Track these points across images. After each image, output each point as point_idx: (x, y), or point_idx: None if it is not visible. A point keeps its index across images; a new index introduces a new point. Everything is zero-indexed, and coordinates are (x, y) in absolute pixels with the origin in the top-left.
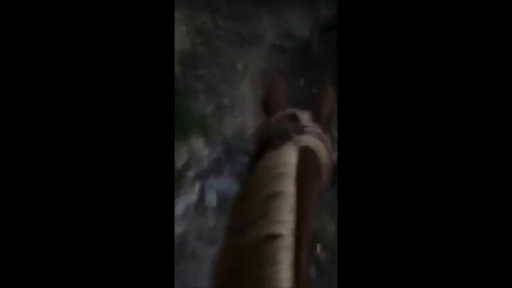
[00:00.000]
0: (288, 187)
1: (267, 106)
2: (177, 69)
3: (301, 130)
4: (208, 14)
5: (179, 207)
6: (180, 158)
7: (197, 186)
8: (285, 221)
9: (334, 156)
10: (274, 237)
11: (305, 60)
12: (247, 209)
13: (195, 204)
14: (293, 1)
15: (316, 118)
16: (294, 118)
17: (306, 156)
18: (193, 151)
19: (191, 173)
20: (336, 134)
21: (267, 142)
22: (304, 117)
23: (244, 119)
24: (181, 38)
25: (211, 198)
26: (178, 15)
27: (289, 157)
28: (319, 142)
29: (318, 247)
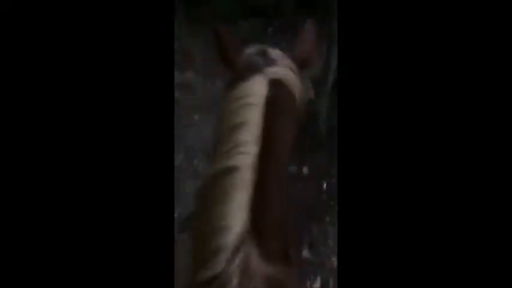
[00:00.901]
0: (253, 117)
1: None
2: None
3: (271, 63)
4: None
5: None
6: None
7: None
8: (245, 152)
9: (311, 93)
10: (230, 170)
11: None
12: (218, 139)
13: None
14: None
15: (292, 56)
16: (262, 52)
17: (277, 88)
18: None
19: None
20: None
21: (238, 75)
22: (275, 52)
23: None
24: None
25: None
26: None
27: (257, 88)
28: (292, 75)
29: None
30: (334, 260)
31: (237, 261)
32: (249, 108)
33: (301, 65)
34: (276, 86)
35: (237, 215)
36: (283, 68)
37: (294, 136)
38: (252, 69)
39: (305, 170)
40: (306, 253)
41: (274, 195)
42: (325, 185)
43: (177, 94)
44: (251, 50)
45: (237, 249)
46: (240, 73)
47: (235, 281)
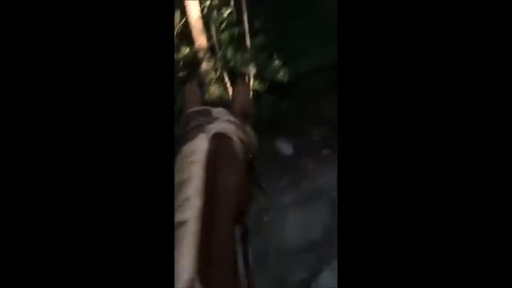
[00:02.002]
0: (195, 172)
1: (184, 106)
2: None
3: (213, 120)
4: None
5: None
6: None
7: None
8: (191, 206)
9: (255, 140)
10: (180, 224)
11: None
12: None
13: None
14: None
15: (232, 112)
16: (207, 112)
17: (219, 142)
18: None
19: None
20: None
21: (187, 135)
22: (217, 110)
23: None
24: None
25: None
26: None
27: (199, 145)
28: (234, 128)
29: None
30: None
31: None
32: (192, 165)
33: (242, 117)
34: (218, 139)
35: (184, 264)
36: (224, 123)
37: (239, 182)
38: (197, 129)
39: None
40: None
41: (222, 244)
42: None
43: None
44: (193, 110)
45: None
46: (188, 134)
47: None
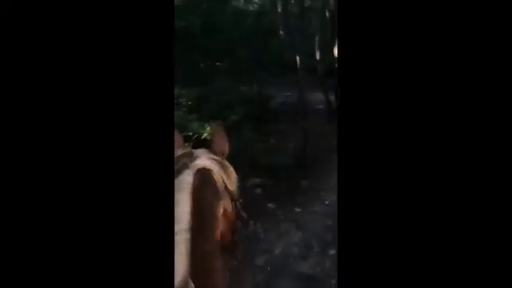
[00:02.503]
0: (184, 196)
1: None
2: None
3: (196, 159)
4: None
5: None
6: None
7: None
8: (181, 221)
9: (233, 172)
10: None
11: None
12: None
13: None
14: None
15: (211, 151)
16: (190, 153)
17: (202, 175)
18: None
19: None
20: None
21: (176, 172)
22: (198, 151)
23: None
24: None
25: None
26: None
27: (186, 178)
28: (214, 164)
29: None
30: None
31: None
32: (181, 192)
33: (220, 154)
34: (200, 173)
35: (177, 269)
36: (205, 159)
37: (220, 205)
38: (183, 167)
39: None
40: None
41: (209, 252)
42: None
43: None
44: (179, 153)
45: None
46: (177, 171)
47: None
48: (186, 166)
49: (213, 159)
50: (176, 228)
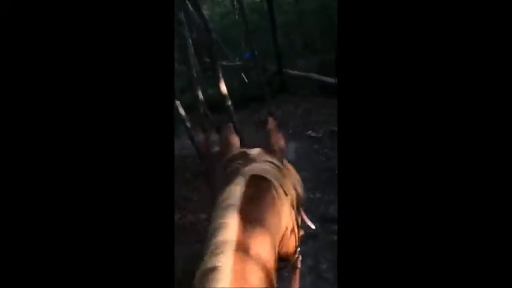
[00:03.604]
0: (229, 218)
1: (223, 151)
2: None
3: (250, 162)
4: None
5: None
6: None
7: None
8: (223, 253)
9: (297, 178)
10: (211, 270)
11: None
12: (205, 240)
13: None
14: None
15: (269, 151)
16: (244, 155)
17: (256, 183)
18: None
19: None
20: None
21: (225, 181)
22: (254, 151)
23: None
24: None
25: None
26: None
27: (237, 189)
28: (271, 168)
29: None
30: None
31: None
32: (227, 209)
33: (279, 153)
34: (255, 181)
35: None
36: (261, 163)
37: (278, 224)
38: (234, 173)
39: None
40: None
41: None
42: None
43: None
44: (230, 155)
45: None
46: (226, 178)
47: None
48: (237, 172)
49: (271, 162)
50: (214, 262)
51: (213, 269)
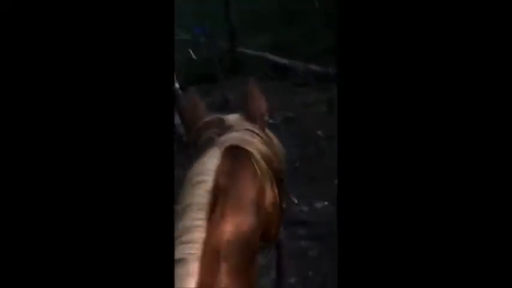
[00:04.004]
0: (200, 197)
1: (189, 116)
2: None
3: (227, 131)
4: None
5: None
6: None
7: None
8: (192, 241)
9: (279, 147)
10: (178, 262)
11: None
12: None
13: None
14: None
15: (248, 117)
16: (219, 122)
17: (234, 155)
18: None
19: None
20: None
21: (196, 153)
22: (231, 118)
23: None
24: None
25: None
26: None
27: (208, 162)
28: (251, 137)
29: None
30: None
31: None
32: (199, 187)
33: (259, 122)
34: (232, 152)
35: None
36: (240, 132)
37: (261, 202)
38: (207, 143)
39: None
40: None
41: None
42: None
43: None
44: (201, 122)
45: None
46: (197, 150)
47: None
48: (210, 142)
49: (251, 131)
50: (181, 252)
51: (180, 262)
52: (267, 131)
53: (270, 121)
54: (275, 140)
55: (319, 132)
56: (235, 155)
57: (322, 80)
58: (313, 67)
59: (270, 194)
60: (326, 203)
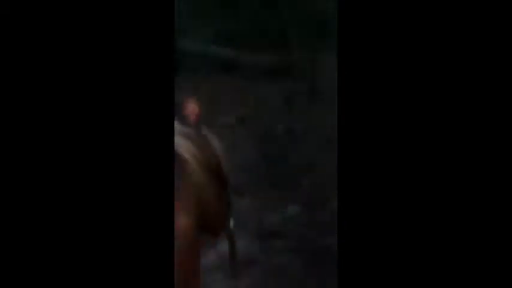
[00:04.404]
0: None
1: None
2: None
3: None
4: None
5: None
6: None
7: None
8: None
9: (217, 146)
10: None
11: None
12: None
13: None
14: None
15: (180, 118)
16: None
17: None
18: None
19: None
20: None
21: None
22: None
23: None
24: None
25: None
26: None
27: None
28: (186, 141)
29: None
30: None
31: None
32: None
33: (193, 117)
34: None
35: None
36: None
37: (196, 200)
38: None
39: None
40: None
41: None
42: None
43: None
44: None
45: None
46: None
47: None
48: None
49: (185, 134)
50: None
51: None
52: (204, 130)
53: (224, 122)
54: (215, 141)
55: (279, 128)
56: None
57: (273, 73)
58: (262, 59)
59: (207, 192)
60: (297, 208)
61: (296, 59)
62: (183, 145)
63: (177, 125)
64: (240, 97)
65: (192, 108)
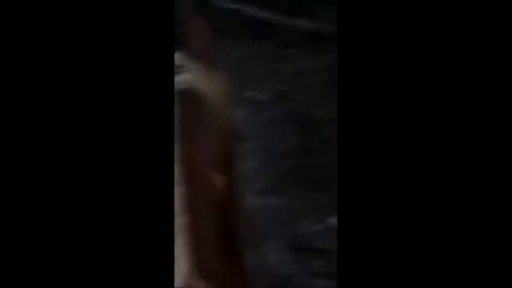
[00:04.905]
0: None
1: None
2: None
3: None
4: None
5: None
6: None
7: None
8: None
9: (226, 85)
10: None
11: None
12: None
13: None
14: None
15: (192, 54)
16: None
17: (185, 104)
18: None
19: None
20: None
21: None
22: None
23: None
24: None
25: None
26: None
27: None
28: (200, 77)
29: None
30: None
31: None
32: None
33: (205, 58)
34: (183, 100)
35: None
36: (185, 74)
37: (219, 149)
38: None
39: None
40: None
41: (211, 232)
42: None
43: None
44: None
45: None
46: None
47: None
48: None
49: (197, 69)
50: None
51: None
52: (216, 73)
53: (254, 97)
54: (222, 79)
55: (320, 114)
56: (186, 102)
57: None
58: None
59: (225, 138)
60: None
61: None
62: (200, 81)
63: (192, 62)
64: (277, 70)
65: (206, 45)
